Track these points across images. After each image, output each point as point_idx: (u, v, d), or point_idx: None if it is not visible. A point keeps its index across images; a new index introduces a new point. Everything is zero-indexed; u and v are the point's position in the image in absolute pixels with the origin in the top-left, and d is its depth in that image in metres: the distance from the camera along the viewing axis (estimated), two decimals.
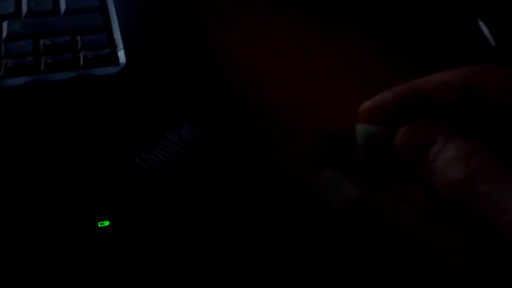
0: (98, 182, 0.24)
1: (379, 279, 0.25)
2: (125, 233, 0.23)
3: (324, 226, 0.27)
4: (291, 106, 0.33)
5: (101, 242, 0.23)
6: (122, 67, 0.29)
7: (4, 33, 0.30)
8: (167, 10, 0.33)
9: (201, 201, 0.24)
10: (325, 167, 0.28)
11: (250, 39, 0.37)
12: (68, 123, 0.26)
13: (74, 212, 0.23)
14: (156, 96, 0.28)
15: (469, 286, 0.26)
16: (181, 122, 0.27)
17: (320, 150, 0.31)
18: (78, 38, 0.31)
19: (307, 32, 0.38)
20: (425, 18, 0.39)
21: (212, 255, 0.25)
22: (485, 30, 0.33)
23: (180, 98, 0.28)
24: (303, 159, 0.30)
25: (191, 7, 0.34)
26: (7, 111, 0.26)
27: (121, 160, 0.25)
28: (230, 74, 0.30)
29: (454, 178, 0.18)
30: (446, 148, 0.19)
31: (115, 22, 0.32)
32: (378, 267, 0.26)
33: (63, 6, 0.32)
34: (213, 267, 0.24)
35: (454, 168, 0.19)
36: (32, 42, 0.30)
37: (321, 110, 0.33)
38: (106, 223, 0.23)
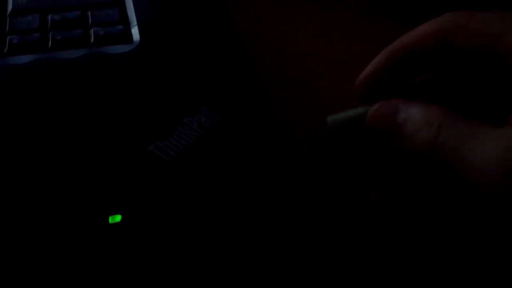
0: (108, 172, 0.21)
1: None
2: (137, 229, 0.21)
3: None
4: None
5: (112, 238, 0.21)
6: (136, 45, 0.27)
7: (9, 7, 0.28)
8: None
9: (221, 195, 0.22)
10: None
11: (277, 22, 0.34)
12: (77, 106, 0.24)
13: (83, 205, 0.21)
14: (172, 78, 0.25)
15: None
16: (200, 106, 0.24)
17: None
18: (89, 13, 0.28)
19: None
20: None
21: (233, 252, 0.22)
22: None
23: (199, 80, 0.25)
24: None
25: None
26: (12, 91, 0.24)
27: (135, 147, 0.22)
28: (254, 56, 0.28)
29: (422, 143, 0.19)
30: (409, 116, 0.20)
31: None
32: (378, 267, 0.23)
33: None
34: (236, 264, 0.22)
35: (420, 133, 0.20)
36: (39, 17, 0.28)
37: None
38: (118, 217, 0.21)
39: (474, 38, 0.20)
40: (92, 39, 0.27)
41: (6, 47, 0.26)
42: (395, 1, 0.38)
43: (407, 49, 0.21)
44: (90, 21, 0.28)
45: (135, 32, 0.28)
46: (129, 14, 0.29)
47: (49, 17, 0.28)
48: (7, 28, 0.27)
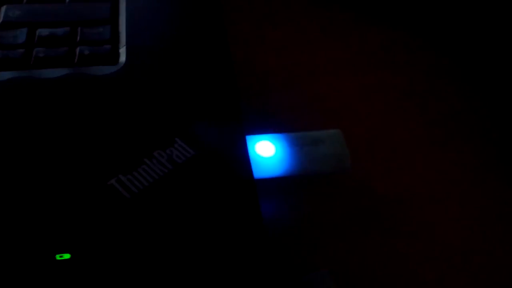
0: (61, 206, 0.20)
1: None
2: (87, 269, 0.20)
3: None
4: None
5: (59, 277, 0.20)
6: (120, 67, 0.26)
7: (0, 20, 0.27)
8: (188, 8, 0.29)
9: (182, 241, 0.20)
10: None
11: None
12: (43, 129, 0.23)
13: (29, 242, 0.19)
14: (150, 105, 0.24)
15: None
16: (174, 138, 0.23)
17: None
18: (79, 30, 0.27)
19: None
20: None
21: None
22: None
23: (179, 110, 0.24)
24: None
25: (216, 8, 0.29)
26: None
27: (95, 180, 0.21)
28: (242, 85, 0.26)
29: None
30: None
31: (123, 14, 0.28)
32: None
33: None
34: None
35: None
36: (28, 31, 0.27)
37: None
38: (66, 256, 0.20)
39: None
40: (76, 59, 0.26)
41: None
42: (392, 7, 0.36)
43: None
44: (78, 38, 0.27)
45: (122, 52, 0.26)
46: (120, 33, 0.28)
47: (38, 32, 0.27)
48: None
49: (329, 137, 0.25)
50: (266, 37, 0.35)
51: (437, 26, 0.36)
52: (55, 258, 0.19)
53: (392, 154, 0.29)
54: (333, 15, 0.36)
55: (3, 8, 0.28)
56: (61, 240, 0.19)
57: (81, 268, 0.20)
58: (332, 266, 0.24)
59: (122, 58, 0.26)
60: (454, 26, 0.36)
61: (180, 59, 0.26)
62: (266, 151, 0.25)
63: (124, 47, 0.27)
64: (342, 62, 0.33)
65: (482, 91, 0.33)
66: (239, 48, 0.33)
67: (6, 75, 0.25)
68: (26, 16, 0.28)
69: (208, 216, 0.21)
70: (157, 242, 0.20)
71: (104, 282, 0.20)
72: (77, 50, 0.26)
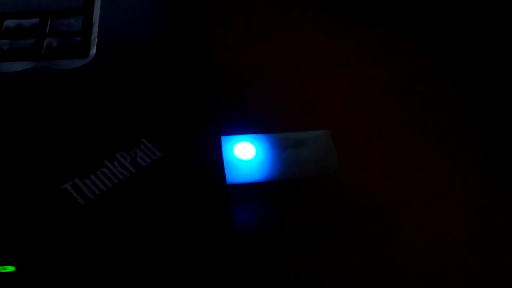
0: (7, 213, 0.18)
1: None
2: (33, 283, 0.18)
3: None
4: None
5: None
6: (89, 60, 0.24)
7: None
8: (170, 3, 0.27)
9: (140, 253, 0.18)
10: None
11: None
12: (2, 126, 0.21)
13: None
14: (117, 102, 0.22)
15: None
16: (140, 139, 0.21)
17: None
18: (49, 21, 0.25)
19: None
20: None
21: None
22: None
23: (148, 108, 0.22)
24: None
25: (197, 3, 0.27)
26: None
27: (47, 183, 0.19)
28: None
29: None
30: None
31: (98, 4, 0.26)
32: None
33: None
34: None
35: None
36: None
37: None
38: (11, 268, 0.18)
39: None
40: (43, 51, 0.24)
41: None
42: (393, 5, 0.34)
43: None
44: (48, 29, 0.25)
45: (93, 46, 0.24)
46: (94, 25, 0.26)
47: (5, 23, 0.25)
48: None
49: (314, 138, 0.23)
50: (259, 34, 0.32)
51: (435, 25, 0.34)
52: None
53: (387, 155, 0.27)
54: (332, 13, 0.34)
55: None
56: (5, 252, 0.17)
57: (25, 282, 0.18)
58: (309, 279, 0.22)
59: (93, 51, 0.24)
60: (453, 26, 0.34)
61: (153, 54, 0.24)
62: (245, 153, 0.23)
63: (96, 40, 0.25)
64: (337, 61, 0.31)
65: (481, 90, 0.30)
66: (233, 45, 0.31)
67: None
68: None
69: (172, 229, 0.18)
70: (110, 256, 0.18)
71: None
72: (45, 42, 0.24)
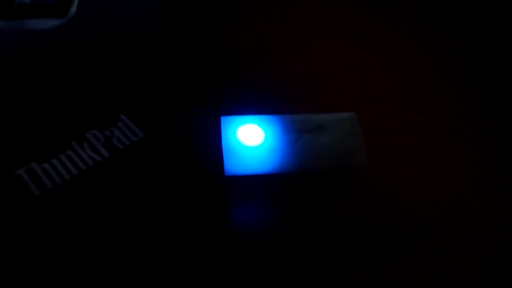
0: None
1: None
2: None
3: None
4: None
5: None
6: (67, 21, 0.20)
7: None
8: None
9: (105, 258, 0.14)
10: None
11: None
12: None
13: None
14: (95, 71, 0.18)
15: None
16: (119, 115, 0.17)
17: None
18: None
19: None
20: None
21: None
22: None
23: (132, 79, 0.18)
24: None
25: None
26: None
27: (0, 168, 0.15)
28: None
29: None
30: None
31: None
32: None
33: None
34: None
35: None
36: None
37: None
38: None
39: None
40: (13, 9, 0.20)
41: None
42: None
43: None
44: None
45: (73, 4, 0.20)
46: None
47: None
48: None
49: (338, 122, 0.18)
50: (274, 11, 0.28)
51: (439, 24, 0.29)
52: None
53: (424, 150, 0.22)
54: (340, 4, 0.29)
55: None
56: None
57: None
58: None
59: (73, 9, 0.20)
60: (458, 25, 0.29)
61: (143, 17, 0.20)
62: (251, 138, 0.18)
63: None
64: (367, 33, 0.26)
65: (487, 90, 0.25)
66: (240, 22, 0.27)
67: None
68: None
69: (147, 229, 0.14)
70: (70, 257, 0.14)
71: None
72: None
